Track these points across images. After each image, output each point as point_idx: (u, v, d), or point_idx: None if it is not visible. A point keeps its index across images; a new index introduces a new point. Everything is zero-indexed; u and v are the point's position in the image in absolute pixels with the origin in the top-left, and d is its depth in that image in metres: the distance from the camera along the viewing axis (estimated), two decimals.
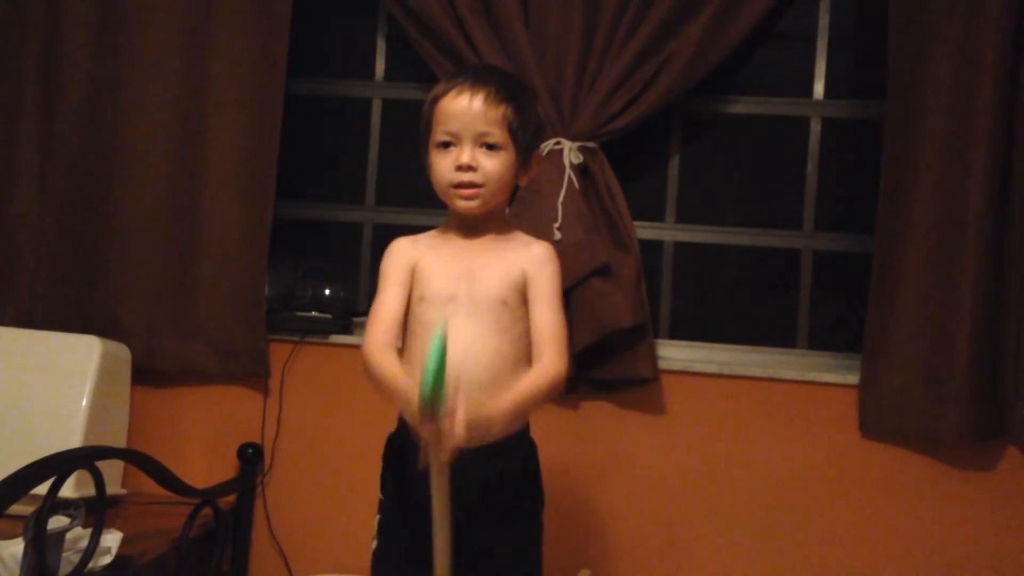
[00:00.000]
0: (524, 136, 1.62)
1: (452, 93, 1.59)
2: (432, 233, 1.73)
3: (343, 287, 2.76)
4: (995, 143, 2.30)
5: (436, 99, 1.63)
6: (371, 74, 2.84)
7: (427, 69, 2.57)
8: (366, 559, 2.48)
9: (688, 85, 2.45)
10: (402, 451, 1.67)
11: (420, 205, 2.76)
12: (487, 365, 1.57)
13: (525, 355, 1.64)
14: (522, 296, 1.63)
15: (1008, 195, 2.33)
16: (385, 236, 2.78)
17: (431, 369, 1.31)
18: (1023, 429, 2.29)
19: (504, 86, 1.62)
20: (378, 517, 1.74)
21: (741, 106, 2.68)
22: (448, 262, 1.64)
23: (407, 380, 1.46)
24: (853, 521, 2.43)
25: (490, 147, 1.59)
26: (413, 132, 2.84)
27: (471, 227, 1.67)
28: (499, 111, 1.58)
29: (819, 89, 2.64)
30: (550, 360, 1.58)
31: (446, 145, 1.60)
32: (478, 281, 1.61)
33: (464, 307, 1.57)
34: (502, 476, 1.63)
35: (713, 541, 2.48)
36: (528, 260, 1.64)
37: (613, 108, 2.43)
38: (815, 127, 2.63)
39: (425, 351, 1.31)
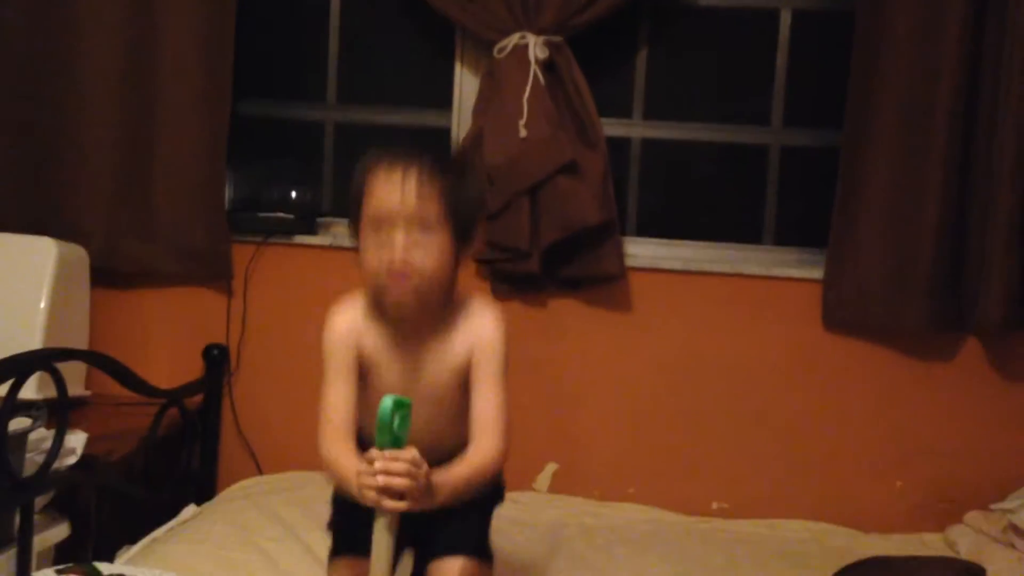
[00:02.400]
0: (464, 212, 1.49)
1: (381, 177, 1.46)
2: (368, 310, 1.57)
3: (307, 188, 2.71)
4: (964, 38, 2.28)
5: (363, 180, 1.49)
6: None
7: None
8: None
9: None
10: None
11: (384, 103, 2.71)
12: (443, 450, 1.50)
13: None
14: (468, 381, 1.54)
15: (976, 90, 2.31)
16: (348, 135, 2.77)
17: (387, 410, 1.32)
18: (984, 322, 2.32)
19: (438, 160, 1.49)
20: (332, 536, 1.69)
21: None
22: (394, 355, 1.54)
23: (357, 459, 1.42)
24: (816, 412, 2.48)
25: (425, 228, 1.44)
26: (372, 27, 2.77)
27: (412, 319, 1.53)
28: (435, 188, 1.45)
29: None
30: (490, 445, 1.49)
31: (377, 228, 1.45)
32: (428, 377, 1.53)
33: (416, 398, 1.43)
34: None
35: (679, 434, 2.52)
36: (475, 340, 1.53)
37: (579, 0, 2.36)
38: (785, 18, 2.58)
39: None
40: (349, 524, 1.63)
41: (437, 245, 1.44)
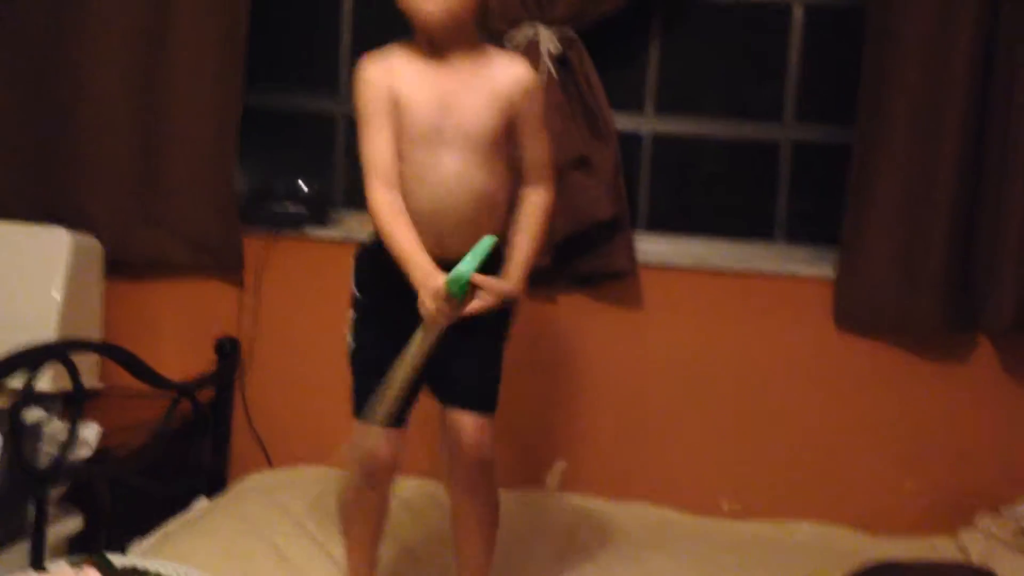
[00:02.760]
0: None
1: None
2: (401, 52, 1.65)
3: (318, 180, 2.71)
4: (978, 32, 2.26)
5: None
6: None
7: None
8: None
9: None
10: (378, 261, 1.68)
11: None
12: (472, 202, 1.61)
13: (504, 185, 1.68)
14: (505, 124, 1.63)
15: (989, 86, 2.30)
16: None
17: (467, 269, 1.45)
18: (995, 321, 2.32)
19: None
20: (353, 315, 1.78)
21: None
22: (426, 89, 1.61)
23: (425, 259, 1.54)
24: (827, 411, 2.47)
25: None
26: (385, 16, 2.77)
27: (441, 45, 1.62)
28: None
29: None
30: (545, 188, 1.65)
31: None
32: (461, 112, 1.60)
33: (448, 142, 1.57)
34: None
35: (690, 433, 2.52)
36: (513, 87, 1.62)
37: None
38: (797, 14, 2.57)
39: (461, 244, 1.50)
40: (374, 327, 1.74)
41: None
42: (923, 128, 2.32)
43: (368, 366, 1.69)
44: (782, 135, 2.61)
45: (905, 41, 2.32)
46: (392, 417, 1.61)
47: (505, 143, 1.65)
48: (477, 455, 1.71)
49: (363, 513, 1.81)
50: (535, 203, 1.66)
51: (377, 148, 1.60)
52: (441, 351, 1.60)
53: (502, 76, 1.63)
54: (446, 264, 1.56)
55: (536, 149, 1.64)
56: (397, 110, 1.60)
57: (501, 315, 1.71)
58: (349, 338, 1.79)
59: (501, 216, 1.70)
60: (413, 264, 1.55)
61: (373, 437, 1.69)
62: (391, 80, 1.61)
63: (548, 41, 2.35)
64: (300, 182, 2.67)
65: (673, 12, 2.62)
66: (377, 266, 1.68)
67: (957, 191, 2.31)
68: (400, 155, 1.62)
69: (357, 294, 1.77)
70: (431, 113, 1.59)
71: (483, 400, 1.73)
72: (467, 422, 1.70)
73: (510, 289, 1.62)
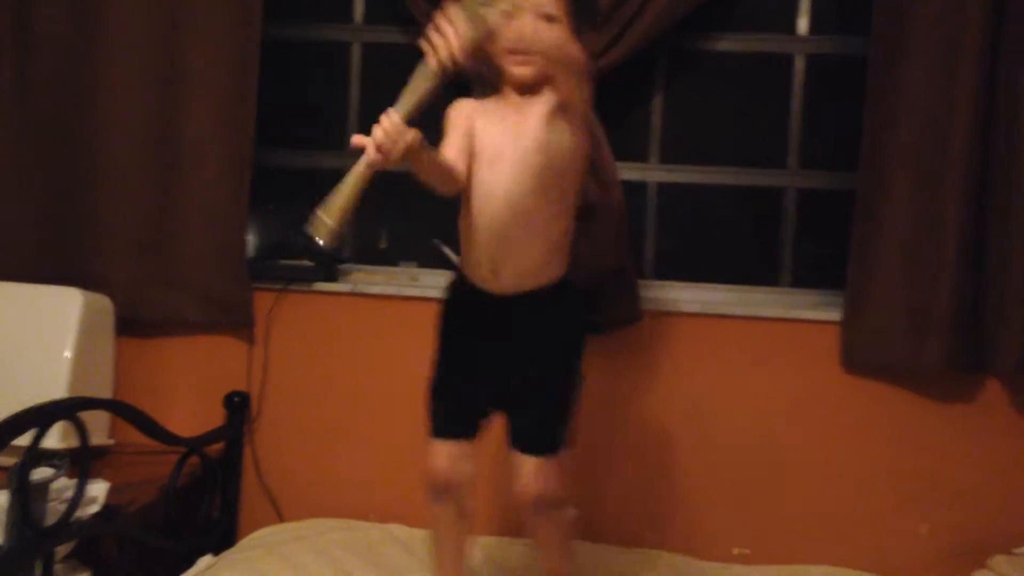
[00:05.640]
0: (578, 10, 1.80)
1: None
2: (493, 99, 1.87)
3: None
4: (979, 79, 2.28)
5: None
6: (349, 18, 2.80)
7: (406, 11, 2.53)
8: (355, 503, 2.54)
9: (672, 22, 2.42)
10: (459, 296, 1.88)
11: None
12: (528, 220, 1.76)
13: (563, 213, 1.83)
14: (562, 156, 1.78)
15: (990, 130, 2.31)
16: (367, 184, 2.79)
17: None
18: (1003, 361, 2.31)
19: None
20: (437, 346, 1.89)
21: (725, 43, 2.64)
22: (498, 119, 1.81)
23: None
24: (836, 455, 2.46)
25: (549, 18, 1.76)
26: (394, 75, 2.83)
27: (525, 91, 1.82)
28: None
29: (803, 25, 2.61)
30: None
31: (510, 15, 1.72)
32: (524, 135, 1.77)
33: (510, 162, 1.74)
34: (550, 325, 1.83)
35: (698, 478, 2.51)
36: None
37: (596, 45, 2.39)
38: (799, 64, 2.60)
39: None
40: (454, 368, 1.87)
41: (555, 31, 1.76)
42: (925, 172, 2.34)
43: (442, 389, 1.86)
44: (787, 181, 2.63)
45: (906, 87, 2.34)
46: (344, 213, 1.64)
47: (563, 173, 1.79)
48: (534, 497, 1.79)
49: (439, 530, 1.92)
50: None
51: (444, 147, 1.80)
52: (510, 381, 1.78)
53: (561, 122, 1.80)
54: (501, 297, 1.78)
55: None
56: (470, 136, 1.81)
57: (572, 326, 1.86)
58: (434, 375, 1.90)
59: (552, 250, 1.82)
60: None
61: (436, 453, 1.82)
62: (473, 113, 1.84)
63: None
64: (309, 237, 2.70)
65: (676, 62, 2.66)
66: (458, 300, 1.87)
67: (961, 232, 2.31)
68: (471, 178, 1.80)
69: (441, 326, 1.90)
70: (496, 136, 1.79)
71: (542, 443, 1.80)
72: (527, 465, 1.78)
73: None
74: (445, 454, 1.83)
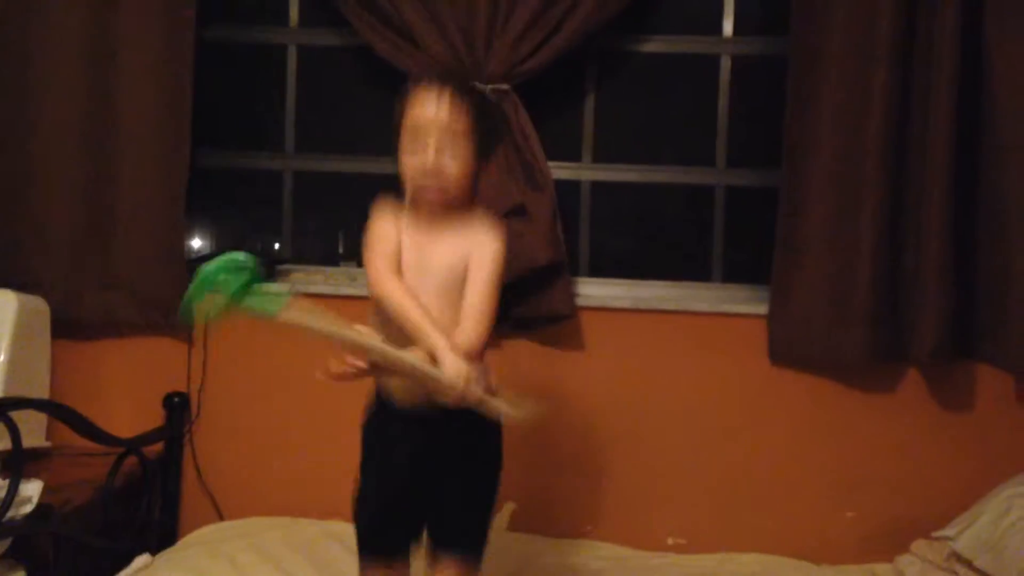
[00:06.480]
0: (483, 126, 1.75)
1: (420, 94, 1.71)
2: (407, 210, 1.79)
3: (266, 237, 2.77)
4: (893, 74, 2.38)
5: (405, 99, 1.73)
6: (286, 21, 2.83)
7: (340, 15, 2.57)
8: (295, 501, 2.55)
9: (599, 24, 2.48)
10: (379, 410, 1.80)
11: (340, 152, 2.78)
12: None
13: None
14: (465, 270, 1.73)
15: (906, 126, 2.41)
16: (306, 184, 2.83)
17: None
18: (920, 350, 2.39)
19: (465, 84, 1.77)
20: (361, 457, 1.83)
21: (653, 44, 2.71)
22: (414, 248, 1.74)
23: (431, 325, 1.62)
24: (765, 445, 2.54)
25: (454, 135, 1.69)
26: (330, 78, 2.85)
27: (437, 211, 1.76)
28: (463, 104, 1.71)
29: (728, 27, 2.68)
30: (471, 328, 1.69)
31: (414, 137, 1.70)
32: (434, 266, 1.73)
33: (429, 280, 1.70)
34: (477, 443, 1.79)
35: (633, 471, 2.57)
36: (475, 246, 1.74)
37: (525, 48, 2.44)
38: (725, 64, 2.68)
39: None
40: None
41: (462, 152, 1.70)
42: (844, 167, 2.42)
43: (369, 503, 1.79)
44: (715, 179, 2.70)
45: (824, 86, 2.42)
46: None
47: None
48: None
49: None
50: (458, 334, 1.68)
51: (377, 256, 1.73)
52: (433, 491, 1.74)
53: (467, 241, 1.74)
54: (417, 411, 1.70)
55: (474, 295, 1.72)
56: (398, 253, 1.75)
57: (492, 440, 1.81)
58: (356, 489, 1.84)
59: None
60: (429, 334, 1.62)
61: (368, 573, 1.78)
62: (395, 226, 1.75)
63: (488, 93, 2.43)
64: (249, 240, 2.72)
65: (606, 63, 2.72)
66: (378, 413, 1.80)
67: (879, 228, 2.40)
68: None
69: (365, 441, 1.84)
70: (415, 263, 1.73)
71: (473, 543, 1.79)
72: (447, 568, 1.76)
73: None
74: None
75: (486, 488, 1.83)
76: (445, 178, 1.69)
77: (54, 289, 2.56)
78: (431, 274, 1.71)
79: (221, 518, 2.62)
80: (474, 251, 1.74)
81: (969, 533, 2.18)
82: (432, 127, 1.68)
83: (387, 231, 1.75)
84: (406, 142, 1.71)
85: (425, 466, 1.74)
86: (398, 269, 1.72)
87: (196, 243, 2.82)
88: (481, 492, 1.82)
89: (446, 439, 1.74)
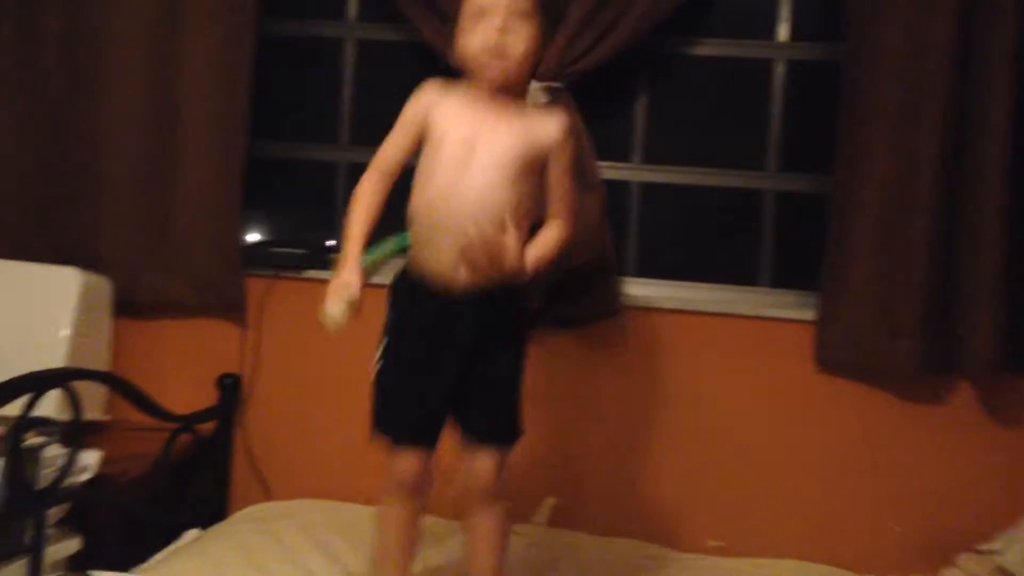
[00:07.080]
0: (547, 9, 1.80)
1: None
2: (463, 87, 1.85)
3: (319, 224, 2.83)
4: (950, 82, 2.35)
5: None
6: (343, 14, 2.88)
7: (398, 10, 2.62)
8: (342, 485, 2.59)
9: (653, 25, 2.49)
10: (410, 289, 1.85)
11: None
12: (495, 215, 1.74)
13: (526, 212, 1.82)
14: (533, 160, 1.80)
15: (962, 133, 2.38)
16: (359, 175, 2.88)
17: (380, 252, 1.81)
18: (973, 363, 2.37)
19: None
20: (384, 340, 1.89)
21: (706, 48, 2.72)
22: (469, 114, 1.80)
23: (355, 250, 1.79)
24: (809, 452, 2.53)
25: (522, 16, 1.74)
26: (387, 72, 2.90)
27: (495, 92, 1.82)
28: None
29: (784, 31, 2.68)
30: (564, 222, 1.83)
31: (480, 17, 1.75)
32: (497, 136, 1.78)
33: (480, 158, 1.75)
34: (497, 320, 1.82)
35: (676, 471, 2.58)
36: (547, 133, 1.81)
37: (579, 47, 2.47)
38: (779, 69, 2.68)
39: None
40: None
41: (527, 33, 1.75)
42: (899, 174, 2.40)
43: (396, 393, 1.84)
44: (766, 183, 2.70)
45: (879, 91, 2.41)
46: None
47: (530, 176, 1.80)
48: (489, 489, 1.83)
49: (396, 530, 1.89)
50: (551, 226, 1.84)
51: (389, 144, 1.84)
52: (461, 380, 1.79)
53: (539, 123, 1.82)
54: (453, 294, 1.76)
55: (562, 187, 1.83)
56: (433, 122, 1.81)
57: (513, 322, 1.87)
58: (378, 363, 1.89)
59: (515, 249, 1.77)
60: (345, 249, 1.79)
61: (404, 460, 1.83)
62: (432, 108, 1.82)
63: (535, 94, 2.46)
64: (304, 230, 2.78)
65: (658, 65, 2.74)
66: (408, 299, 1.85)
67: (933, 236, 2.37)
68: (430, 175, 1.79)
69: (390, 319, 1.89)
70: (466, 139, 1.77)
71: (505, 433, 1.86)
72: (483, 457, 1.82)
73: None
74: (413, 461, 1.83)
75: (520, 369, 1.88)
76: (510, 57, 1.74)
77: (116, 269, 2.65)
78: (486, 154, 1.75)
79: (270, 498, 2.68)
80: (549, 143, 1.80)
81: (1017, 547, 2.16)
82: (499, 6, 1.73)
83: (417, 114, 1.81)
84: (468, 24, 1.76)
85: (462, 347, 1.78)
86: (399, 165, 1.82)
87: (252, 233, 2.89)
88: (516, 374, 1.87)
89: (478, 318, 1.77)
